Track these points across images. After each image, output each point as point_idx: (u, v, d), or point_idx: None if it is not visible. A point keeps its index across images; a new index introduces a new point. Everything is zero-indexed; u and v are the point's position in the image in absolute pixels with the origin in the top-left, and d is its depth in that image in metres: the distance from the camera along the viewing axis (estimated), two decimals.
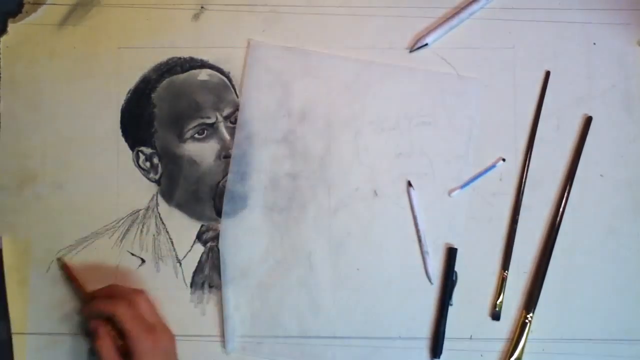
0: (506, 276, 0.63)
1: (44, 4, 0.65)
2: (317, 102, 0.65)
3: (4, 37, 0.65)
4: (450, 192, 0.64)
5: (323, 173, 0.65)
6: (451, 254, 0.63)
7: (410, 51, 0.65)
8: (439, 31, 0.65)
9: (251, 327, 0.63)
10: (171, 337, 0.60)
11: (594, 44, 0.66)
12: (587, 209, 0.64)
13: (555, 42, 0.66)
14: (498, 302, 0.63)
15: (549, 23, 0.66)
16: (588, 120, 0.65)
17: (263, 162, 0.65)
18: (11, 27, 0.65)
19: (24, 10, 0.66)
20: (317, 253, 0.64)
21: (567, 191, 0.64)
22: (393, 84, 0.65)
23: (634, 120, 0.65)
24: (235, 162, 0.64)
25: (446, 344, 0.63)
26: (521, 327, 0.63)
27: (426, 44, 0.65)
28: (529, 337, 0.63)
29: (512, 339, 0.63)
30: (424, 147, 0.65)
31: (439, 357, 0.62)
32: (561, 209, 0.64)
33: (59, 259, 0.63)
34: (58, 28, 0.66)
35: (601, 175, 0.65)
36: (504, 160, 0.64)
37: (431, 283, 0.63)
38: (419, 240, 0.64)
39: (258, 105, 0.65)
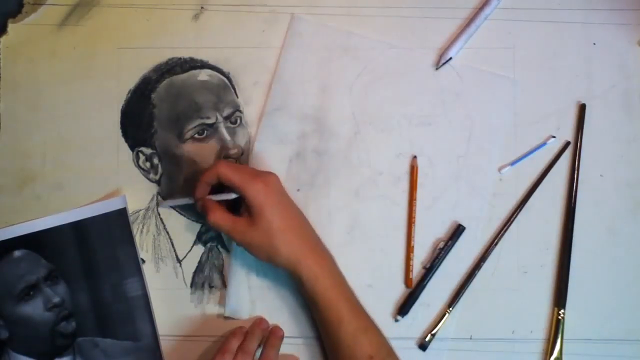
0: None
1: (44, 4, 0.66)
2: (351, 82, 0.65)
3: (4, 38, 0.65)
4: (500, 169, 0.64)
5: (349, 153, 0.65)
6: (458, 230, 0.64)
7: (437, 68, 0.65)
8: (460, 41, 0.65)
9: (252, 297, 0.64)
10: (276, 177, 0.59)
11: (594, 44, 0.66)
12: (587, 209, 0.64)
13: (555, 42, 0.66)
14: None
15: (549, 23, 0.66)
16: (582, 110, 0.65)
17: (290, 135, 0.65)
18: (11, 27, 0.65)
19: (24, 10, 0.66)
20: (333, 234, 0.63)
21: (567, 192, 0.64)
22: (393, 83, 0.65)
23: (634, 120, 0.65)
24: (263, 132, 0.64)
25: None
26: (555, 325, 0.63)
27: (450, 58, 0.65)
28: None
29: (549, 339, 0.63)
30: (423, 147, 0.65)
31: (402, 316, 0.63)
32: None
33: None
34: (58, 28, 0.66)
35: (601, 176, 0.65)
36: (554, 137, 0.64)
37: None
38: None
39: (293, 79, 0.65)
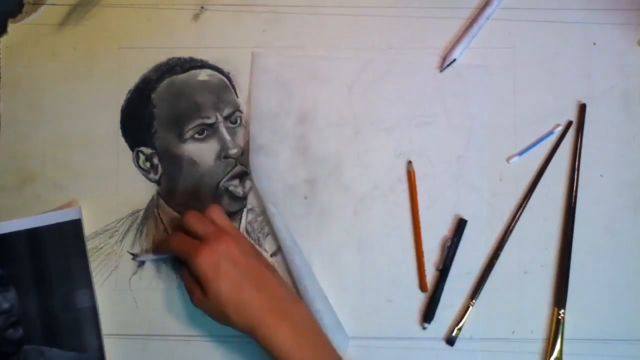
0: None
1: (44, 4, 0.66)
2: (326, 105, 0.65)
3: (4, 37, 0.65)
4: (508, 159, 0.64)
5: (339, 176, 0.65)
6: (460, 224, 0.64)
7: (441, 70, 0.65)
8: (463, 43, 0.65)
9: None
10: (227, 239, 0.56)
11: (594, 44, 0.66)
12: (587, 209, 0.64)
13: (555, 42, 0.66)
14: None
15: (549, 23, 0.66)
16: (582, 110, 0.65)
17: (279, 171, 0.64)
18: (11, 27, 0.65)
19: (24, 10, 0.66)
20: (344, 257, 0.63)
21: (567, 191, 0.64)
22: (393, 83, 0.65)
23: (634, 120, 0.65)
24: (254, 174, 0.64)
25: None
26: (556, 325, 0.63)
27: (454, 60, 0.65)
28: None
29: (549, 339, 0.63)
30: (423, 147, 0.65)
31: (429, 322, 0.63)
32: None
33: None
34: (58, 28, 0.66)
35: (601, 175, 0.65)
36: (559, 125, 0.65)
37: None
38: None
39: (267, 116, 0.65)
